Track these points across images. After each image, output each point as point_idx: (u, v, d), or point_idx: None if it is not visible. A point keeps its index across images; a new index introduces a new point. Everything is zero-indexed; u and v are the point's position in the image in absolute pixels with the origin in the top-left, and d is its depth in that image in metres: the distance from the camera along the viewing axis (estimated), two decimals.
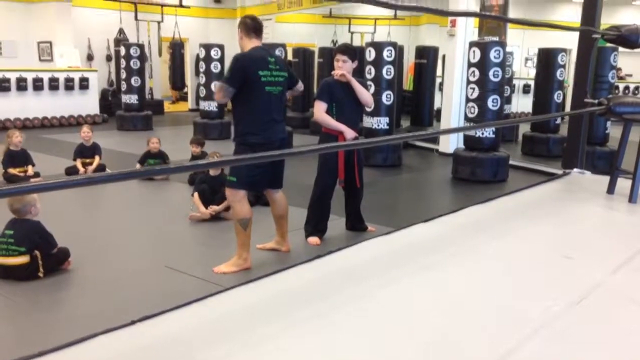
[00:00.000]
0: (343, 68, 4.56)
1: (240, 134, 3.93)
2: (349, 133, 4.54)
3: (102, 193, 6.32)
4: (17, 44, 13.54)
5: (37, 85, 11.88)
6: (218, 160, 4.78)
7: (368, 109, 8.04)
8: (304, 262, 3.33)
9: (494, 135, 7.52)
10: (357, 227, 4.96)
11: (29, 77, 11.81)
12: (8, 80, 11.51)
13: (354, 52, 4.68)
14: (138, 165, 6.82)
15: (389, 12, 15.12)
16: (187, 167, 2.06)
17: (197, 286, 3.68)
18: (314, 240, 4.65)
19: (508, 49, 8.40)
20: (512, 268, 2.80)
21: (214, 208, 5.24)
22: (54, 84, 12.08)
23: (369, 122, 8.42)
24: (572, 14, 15.25)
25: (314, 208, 4.75)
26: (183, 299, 2.30)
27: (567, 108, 9.97)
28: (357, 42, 14.50)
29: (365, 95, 4.63)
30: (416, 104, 11.85)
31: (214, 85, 4.00)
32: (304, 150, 2.48)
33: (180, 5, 12.69)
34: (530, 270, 2.77)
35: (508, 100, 10.63)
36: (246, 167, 3.87)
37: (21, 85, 11.68)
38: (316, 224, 4.72)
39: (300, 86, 4.29)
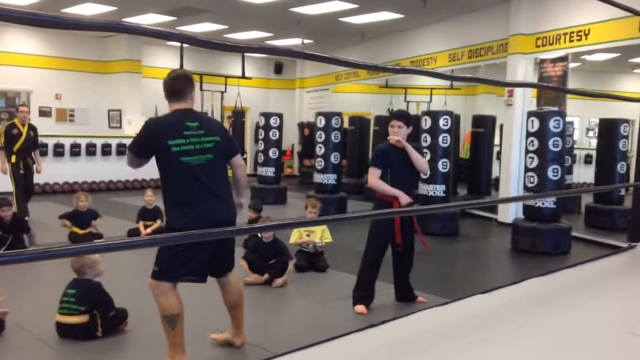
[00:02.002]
0: (398, 134, 4.56)
1: (167, 214, 3.37)
2: (404, 198, 4.48)
3: None
4: (88, 112, 14.38)
5: (106, 150, 12.54)
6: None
7: (424, 176, 8.04)
8: (356, 331, 3.27)
9: (555, 206, 7.32)
10: (406, 296, 4.83)
11: (99, 142, 12.48)
12: (79, 146, 12.20)
13: (409, 118, 4.70)
14: None
15: (445, 82, 15.28)
16: (230, 231, 2.11)
17: (245, 351, 3.66)
18: (360, 308, 4.55)
19: (568, 119, 8.30)
20: (575, 345, 2.67)
21: (277, 282, 5.22)
22: (121, 150, 12.68)
23: (424, 189, 8.38)
24: (635, 85, 15.02)
25: (363, 275, 4.66)
26: None
27: (631, 179, 9.66)
28: (412, 111, 14.63)
29: (421, 161, 4.61)
30: (473, 172, 11.74)
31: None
32: (359, 216, 2.50)
33: (243, 77, 13.23)
34: (594, 348, 2.64)
35: (569, 171, 10.39)
36: (173, 255, 3.20)
37: (90, 150, 12.34)
38: (365, 290, 4.64)
39: (237, 160, 3.57)
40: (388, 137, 4.64)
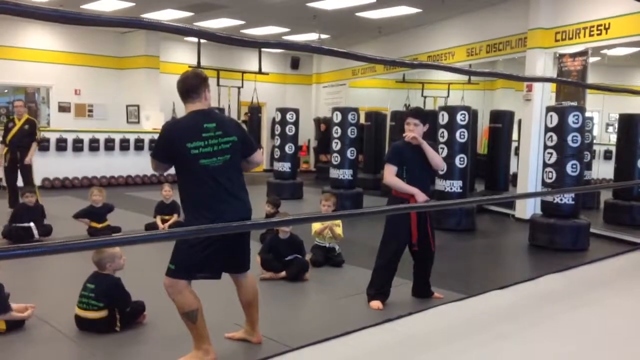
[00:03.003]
0: (414, 132, 4.54)
1: (187, 216, 3.40)
2: (421, 196, 4.45)
3: None
4: (107, 107, 14.52)
5: (124, 145, 12.66)
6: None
7: (441, 172, 8.01)
8: (372, 326, 3.28)
9: (573, 202, 7.25)
10: (423, 293, 4.78)
11: (117, 138, 12.61)
12: (97, 141, 12.32)
13: (424, 116, 4.67)
14: None
15: (462, 77, 15.16)
16: (247, 225, 2.12)
17: (261, 345, 3.68)
18: (376, 304, 4.52)
19: (587, 114, 8.20)
20: (591, 341, 2.65)
21: (307, 276, 5.27)
22: (139, 145, 12.81)
23: (441, 185, 8.34)
24: None
25: (379, 272, 4.62)
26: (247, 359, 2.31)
27: None
28: (429, 106, 14.56)
29: (437, 158, 4.59)
30: (491, 168, 11.66)
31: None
32: (375, 211, 2.50)
33: (260, 72, 13.26)
34: (611, 345, 2.61)
35: (588, 166, 10.28)
36: (187, 252, 3.24)
37: (109, 145, 12.47)
38: (380, 288, 4.60)
39: (256, 157, 3.56)
40: (404, 135, 4.62)
